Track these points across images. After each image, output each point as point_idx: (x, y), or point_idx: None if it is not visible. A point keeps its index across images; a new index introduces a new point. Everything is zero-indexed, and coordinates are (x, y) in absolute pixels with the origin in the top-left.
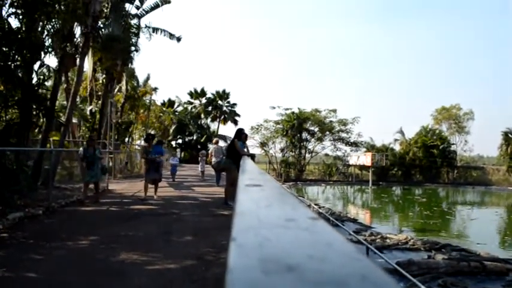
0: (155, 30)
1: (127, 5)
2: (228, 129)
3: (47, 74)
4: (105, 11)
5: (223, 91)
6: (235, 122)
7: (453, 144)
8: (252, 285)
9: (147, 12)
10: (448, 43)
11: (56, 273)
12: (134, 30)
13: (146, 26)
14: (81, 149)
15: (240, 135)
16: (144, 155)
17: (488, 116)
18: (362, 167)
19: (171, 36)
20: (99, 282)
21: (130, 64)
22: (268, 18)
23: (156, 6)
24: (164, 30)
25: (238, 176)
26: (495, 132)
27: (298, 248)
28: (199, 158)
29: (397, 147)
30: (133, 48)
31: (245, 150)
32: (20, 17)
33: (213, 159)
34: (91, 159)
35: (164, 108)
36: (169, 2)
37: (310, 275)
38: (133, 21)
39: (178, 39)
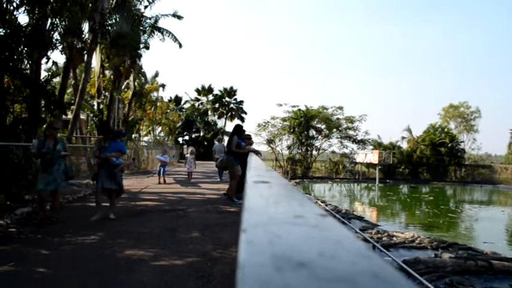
0: (162, 30)
1: (135, 3)
2: None
3: (55, 70)
4: (112, 4)
5: (231, 88)
6: (242, 119)
7: (462, 142)
8: (262, 282)
9: (157, 17)
10: (455, 41)
11: (63, 268)
12: (143, 28)
13: (156, 28)
14: (34, 140)
15: (240, 131)
16: (97, 153)
17: (497, 115)
18: (369, 165)
19: (176, 40)
20: (105, 277)
21: (138, 61)
22: (274, 16)
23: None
24: (170, 33)
25: (240, 172)
26: (504, 131)
27: (308, 245)
28: (186, 156)
29: (404, 145)
30: (142, 45)
31: (251, 146)
32: (29, 12)
33: (216, 157)
34: (49, 157)
35: (171, 105)
36: (181, 18)
37: (321, 272)
38: (144, 18)
39: (180, 45)
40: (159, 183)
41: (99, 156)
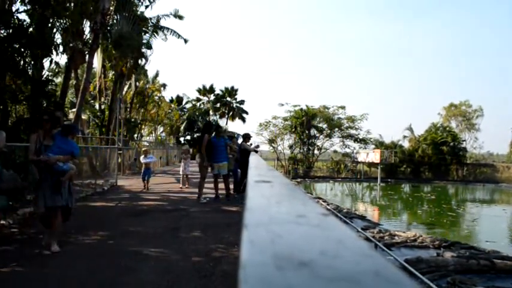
0: (165, 29)
1: (136, 3)
2: (236, 126)
3: (56, 70)
4: (112, 8)
5: (232, 88)
6: (243, 119)
7: (463, 141)
8: (264, 281)
9: (158, 17)
10: (457, 40)
11: (65, 268)
12: (145, 28)
13: (158, 26)
14: None
15: (209, 129)
16: (34, 155)
17: (499, 113)
18: (371, 164)
19: (179, 36)
20: (108, 277)
21: (141, 61)
22: (273, 16)
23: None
24: (173, 31)
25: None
26: (506, 130)
27: (309, 245)
28: (182, 158)
29: (406, 144)
30: (144, 45)
31: (251, 146)
32: (30, 13)
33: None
34: None
35: (172, 105)
36: (182, 18)
37: (324, 271)
38: (145, 18)
39: (185, 40)
40: (147, 189)
41: (37, 160)
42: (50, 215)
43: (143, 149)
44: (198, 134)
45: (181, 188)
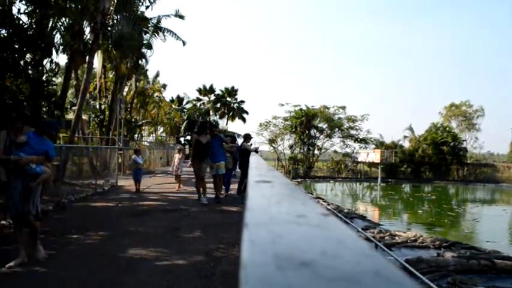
0: (164, 30)
1: (137, 3)
2: (236, 126)
3: (56, 70)
4: (112, 9)
5: (232, 88)
6: (244, 119)
7: (464, 141)
8: (265, 281)
9: (159, 18)
10: (457, 40)
11: (65, 268)
12: (146, 29)
13: (159, 27)
14: None
15: (202, 130)
16: (4, 154)
17: (499, 113)
18: (371, 164)
19: (178, 38)
20: (108, 277)
21: (142, 62)
22: (273, 16)
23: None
24: (172, 32)
25: (199, 171)
26: (506, 129)
27: (310, 245)
28: (175, 157)
29: (406, 144)
30: (144, 46)
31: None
32: (31, 13)
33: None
34: None
35: (173, 105)
36: (183, 18)
37: (324, 272)
38: (146, 18)
39: (184, 43)
40: (138, 190)
41: (6, 159)
42: (21, 223)
43: (135, 148)
44: None
45: (179, 188)
